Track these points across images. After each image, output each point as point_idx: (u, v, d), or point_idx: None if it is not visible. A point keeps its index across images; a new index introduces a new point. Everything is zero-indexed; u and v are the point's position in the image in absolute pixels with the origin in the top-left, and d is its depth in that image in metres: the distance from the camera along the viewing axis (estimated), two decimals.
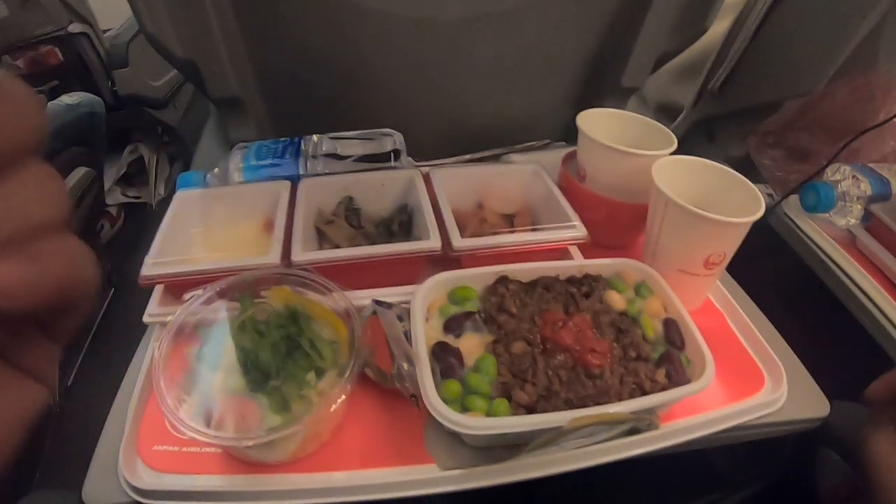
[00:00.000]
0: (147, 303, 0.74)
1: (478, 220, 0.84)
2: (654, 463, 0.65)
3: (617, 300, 0.68)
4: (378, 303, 0.66)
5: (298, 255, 0.71)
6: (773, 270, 1.08)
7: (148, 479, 0.60)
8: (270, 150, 0.88)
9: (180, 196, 0.83)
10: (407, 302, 0.66)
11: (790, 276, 1.06)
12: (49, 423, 1.64)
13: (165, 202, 2.41)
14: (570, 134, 1.14)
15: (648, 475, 0.83)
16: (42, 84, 2.01)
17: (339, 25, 0.90)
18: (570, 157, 0.90)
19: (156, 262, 0.71)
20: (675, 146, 0.78)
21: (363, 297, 0.70)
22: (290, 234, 0.74)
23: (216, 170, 0.88)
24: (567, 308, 0.66)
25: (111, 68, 2.19)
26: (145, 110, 2.30)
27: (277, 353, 0.58)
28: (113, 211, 2.27)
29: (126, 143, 2.42)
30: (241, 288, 0.64)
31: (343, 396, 0.54)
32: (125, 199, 2.38)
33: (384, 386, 0.64)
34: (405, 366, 0.59)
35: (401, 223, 0.84)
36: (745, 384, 0.70)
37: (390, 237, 0.83)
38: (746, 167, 1.27)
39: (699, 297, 0.79)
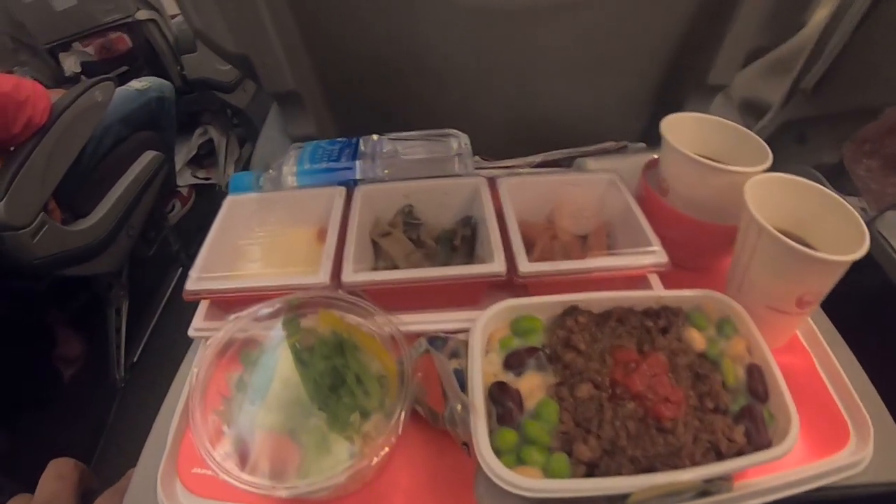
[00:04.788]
0: None
1: (548, 235, 0.77)
2: None
3: (697, 339, 0.61)
4: (431, 341, 0.60)
5: (349, 276, 0.66)
6: (858, 291, 0.98)
7: (185, 502, 0.59)
8: (326, 151, 0.84)
9: (231, 201, 0.80)
10: (465, 331, 0.61)
11: (876, 298, 0.97)
12: (114, 395, 1.70)
13: None
14: (649, 135, 1.04)
15: None
16: (112, 70, 2.06)
17: (398, 15, 0.85)
18: (652, 166, 0.82)
19: (201, 277, 0.68)
20: (769, 161, 0.69)
21: (419, 322, 0.66)
22: (342, 249, 0.70)
23: (270, 171, 0.84)
24: (641, 345, 0.60)
25: (180, 53, 2.26)
26: (214, 94, 2.35)
27: (321, 389, 0.54)
28: (184, 191, 2.35)
29: (196, 125, 2.49)
30: (286, 311, 0.61)
31: (386, 449, 0.50)
32: (195, 181, 2.46)
33: (435, 426, 0.59)
34: (458, 409, 0.54)
35: (464, 237, 0.78)
36: (828, 440, 0.62)
37: (452, 252, 0.77)
38: (839, 175, 1.16)
39: (785, 336, 0.71)
